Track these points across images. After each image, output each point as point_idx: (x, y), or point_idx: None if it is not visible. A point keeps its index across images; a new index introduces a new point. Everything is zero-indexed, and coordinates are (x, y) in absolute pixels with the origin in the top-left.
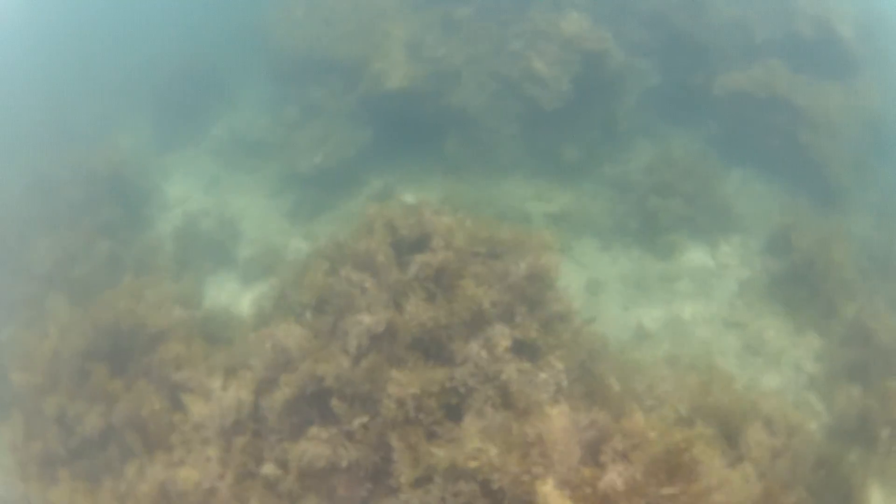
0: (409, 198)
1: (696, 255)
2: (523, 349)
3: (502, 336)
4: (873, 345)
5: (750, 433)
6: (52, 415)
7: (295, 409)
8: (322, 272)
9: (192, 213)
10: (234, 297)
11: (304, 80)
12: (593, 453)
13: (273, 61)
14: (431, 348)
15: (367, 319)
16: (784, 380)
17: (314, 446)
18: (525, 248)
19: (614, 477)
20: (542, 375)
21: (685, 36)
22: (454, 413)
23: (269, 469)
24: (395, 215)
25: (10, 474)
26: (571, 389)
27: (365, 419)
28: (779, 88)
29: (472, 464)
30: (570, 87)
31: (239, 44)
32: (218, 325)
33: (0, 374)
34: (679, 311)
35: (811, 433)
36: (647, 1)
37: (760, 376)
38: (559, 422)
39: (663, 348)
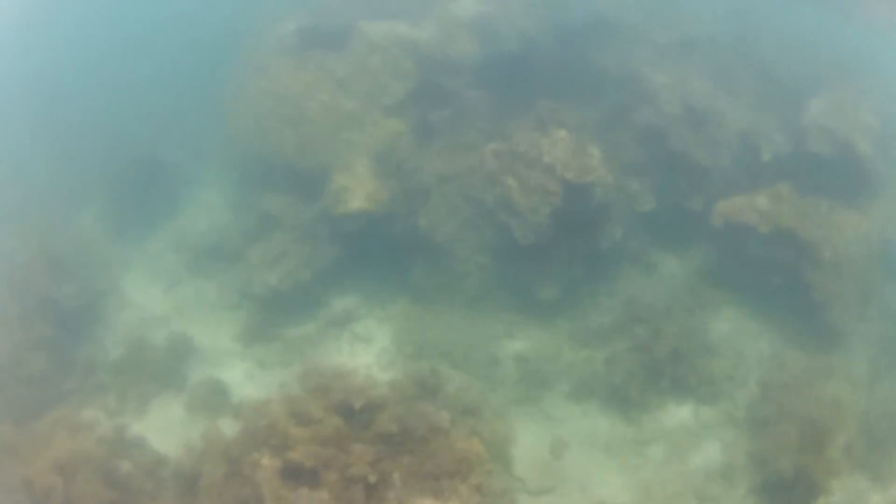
0: (370, 324)
1: (675, 414)
2: None
3: None
4: None
5: None
6: None
7: None
8: (219, 476)
9: (146, 319)
10: (174, 429)
11: (264, 184)
12: None
13: (235, 157)
14: None
15: None
16: None
17: None
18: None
19: None
20: None
21: (684, 153)
22: None
23: None
24: (290, 432)
25: None
26: None
27: None
28: (784, 220)
29: None
30: (549, 221)
31: (207, 132)
32: (144, 470)
33: None
34: (648, 480)
35: None
36: (642, 114)
37: None
38: None
39: None
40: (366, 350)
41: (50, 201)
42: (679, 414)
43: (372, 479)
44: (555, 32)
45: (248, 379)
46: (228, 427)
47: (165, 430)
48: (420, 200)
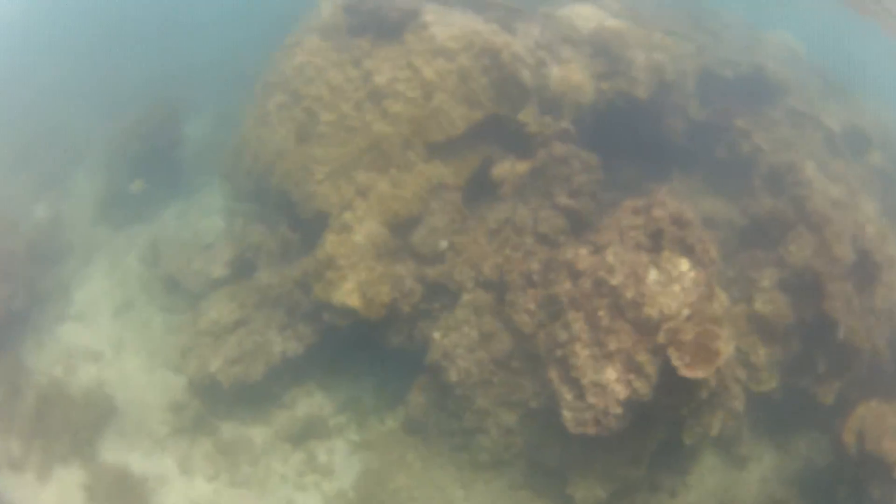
0: (338, 448)
1: None
2: None
3: None
4: None
5: None
6: None
7: None
8: None
9: (80, 348)
10: None
11: (252, 208)
12: None
13: (231, 164)
14: None
15: None
16: None
17: None
18: None
19: None
20: None
21: (838, 321)
22: None
23: None
24: None
25: None
26: None
27: None
28: None
29: None
30: (622, 412)
31: (232, 117)
32: None
33: None
34: None
35: None
36: (802, 243)
37: None
38: None
39: None
40: (318, 487)
41: (50, 164)
42: None
43: None
44: (700, 81)
45: (161, 482)
46: None
47: None
48: (441, 304)
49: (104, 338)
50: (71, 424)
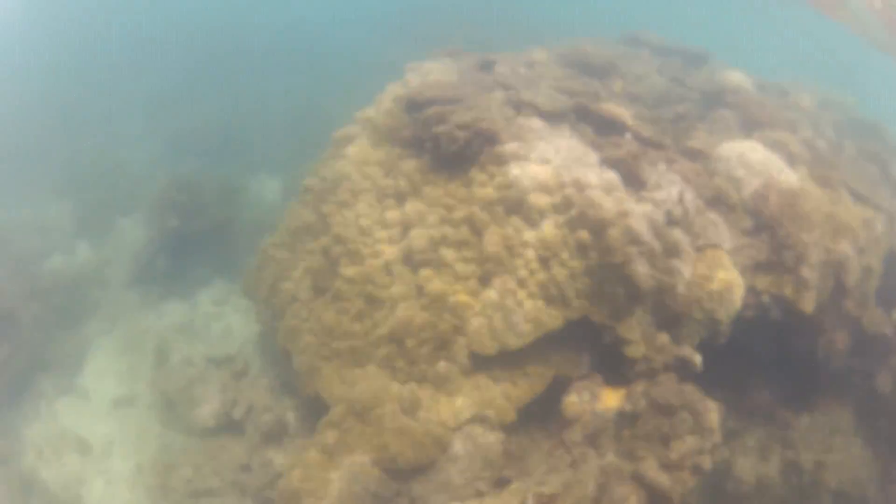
0: None
1: None
2: None
3: None
4: None
5: None
6: None
7: None
8: None
9: (73, 435)
10: None
11: (268, 341)
12: None
13: (252, 283)
14: None
15: None
16: None
17: None
18: None
19: None
20: None
21: None
22: None
23: None
24: None
25: None
26: None
27: None
28: None
29: None
30: None
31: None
32: None
33: None
34: None
35: None
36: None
37: None
38: None
39: None
40: None
41: (97, 202)
42: None
43: None
44: (883, 271)
45: None
46: None
47: None
48: None
49: (98, 429)
50: None
